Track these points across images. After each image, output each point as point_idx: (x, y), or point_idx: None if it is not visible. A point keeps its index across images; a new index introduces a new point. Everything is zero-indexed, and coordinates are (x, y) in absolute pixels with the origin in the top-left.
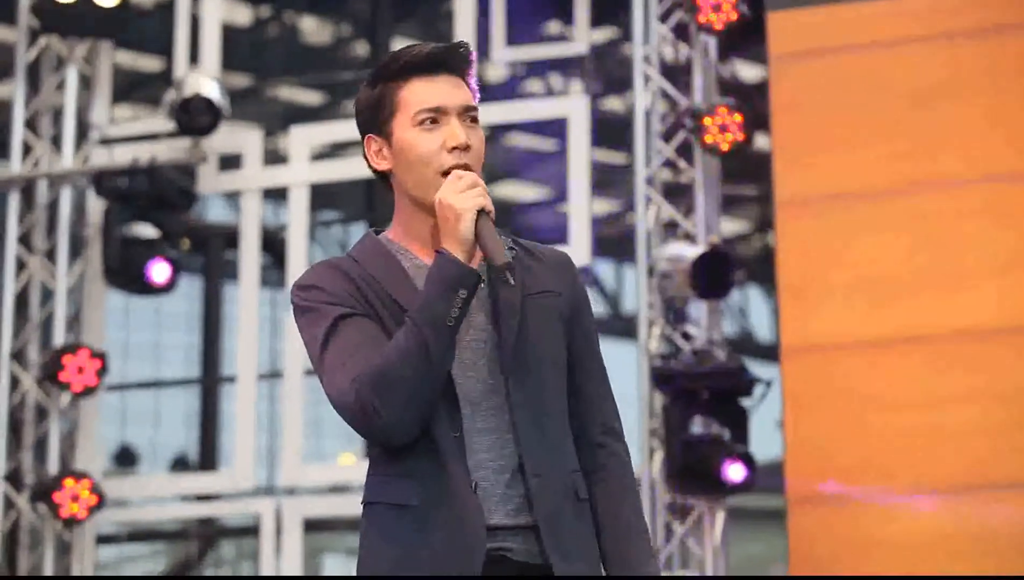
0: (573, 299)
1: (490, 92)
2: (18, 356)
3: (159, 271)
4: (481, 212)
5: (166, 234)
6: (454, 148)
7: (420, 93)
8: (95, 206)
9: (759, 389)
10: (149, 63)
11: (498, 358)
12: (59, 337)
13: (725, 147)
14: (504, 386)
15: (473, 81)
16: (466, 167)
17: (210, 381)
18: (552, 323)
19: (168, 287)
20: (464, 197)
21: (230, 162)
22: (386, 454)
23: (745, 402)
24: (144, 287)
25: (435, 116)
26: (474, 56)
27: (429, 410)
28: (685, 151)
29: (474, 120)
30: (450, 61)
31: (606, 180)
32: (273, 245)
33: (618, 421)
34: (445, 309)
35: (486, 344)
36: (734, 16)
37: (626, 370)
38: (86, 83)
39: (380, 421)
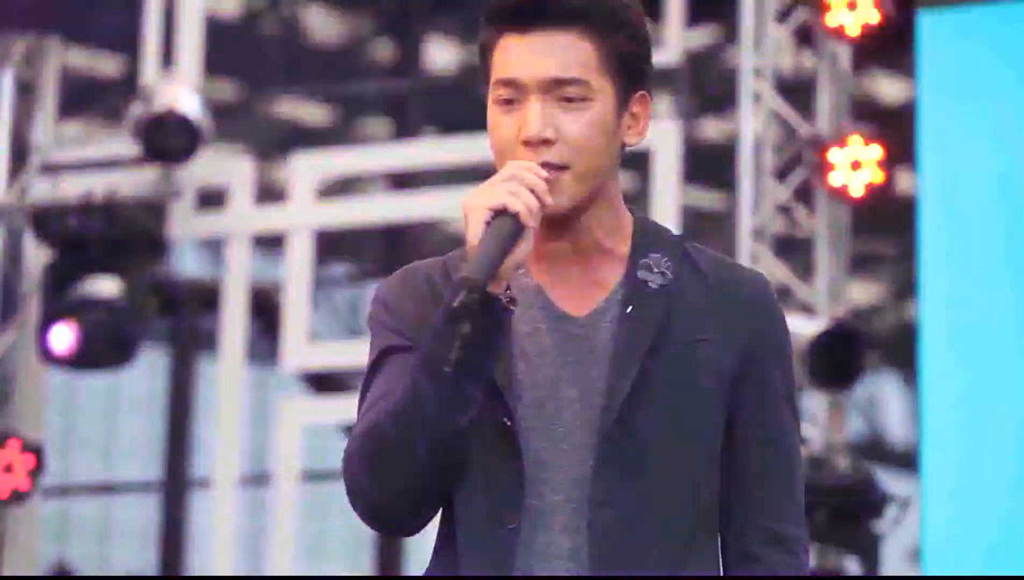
0: (748, 348)
1: None
2: None
3: (59, 337)
4: (503, 213)
5: (126, 291)
6: (526, 142)
7: (502, 57)
8: (34, 253)
9: (892, 509)
10: (108, 64)
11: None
12: None
13: (858, 191)
14: (590, 471)
15: (611, 35)
16: (550, 167)
17: (176, 485)
18: (699, 383)
19: (78, 360)
20: (482, 194)
21: (211, 199)
22: (440, 539)
23: (875, 525)
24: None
25: (511, 94)
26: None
27: (430, 488)
28: (804, 194)
29: (576, 99)
30: (545, 9)
31: (699, 229)
32: (264, 308)
33: (794, 525)
34: (443, 348)
35: (594, 410)
36: (875, 17)
37: None
38: (25, 91)
39: (362, 497)
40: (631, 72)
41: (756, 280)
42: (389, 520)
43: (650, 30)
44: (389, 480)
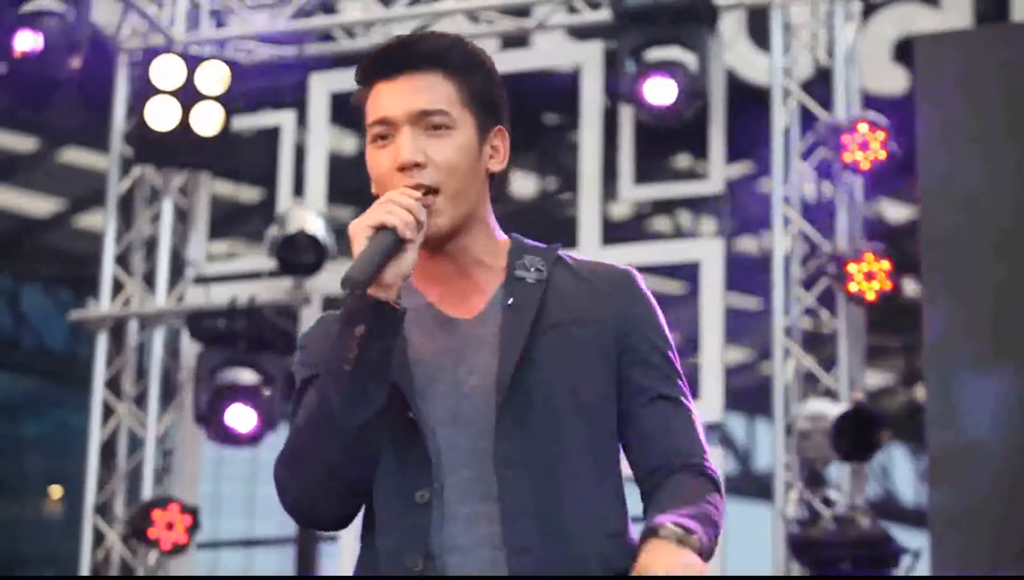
0: (623, 323)
1: (614, 231)
2: (103, 510)
3: (240, 419)
4: (382, 229)
5: (264, 380)
6: (401, 167)
7: (375, 102)
8: (189, 349)
9: (906, 559)
10: (249, 193)
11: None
12: (147, 490)
13: (871, 296)
14: (492, 443)
15: (468, 75)
16: (422, 188)
17: (308, 539)
18: (582, 358)
19: (255, 437)
20: (363, 217)
21: (335, 304)
22: (365, 525)
23: (892, 574)
24: (233, 437)
25: (384, 130)
26: (457, 43)
27: (346, 483)
28: (827, 299)
29: (441, 125)
30: (409, 57)
31: (739, 327)
32: None
33: (696, 455)
34: (342, 351)
35: (491, 392)
36: (883, 155)
37: (759, 535)
38: (182, 216)
39: (288, 496)
40: (488, 108)
41: (621, 270)
42: (313, 515)
43: (499, 75)
44: (309, 478)
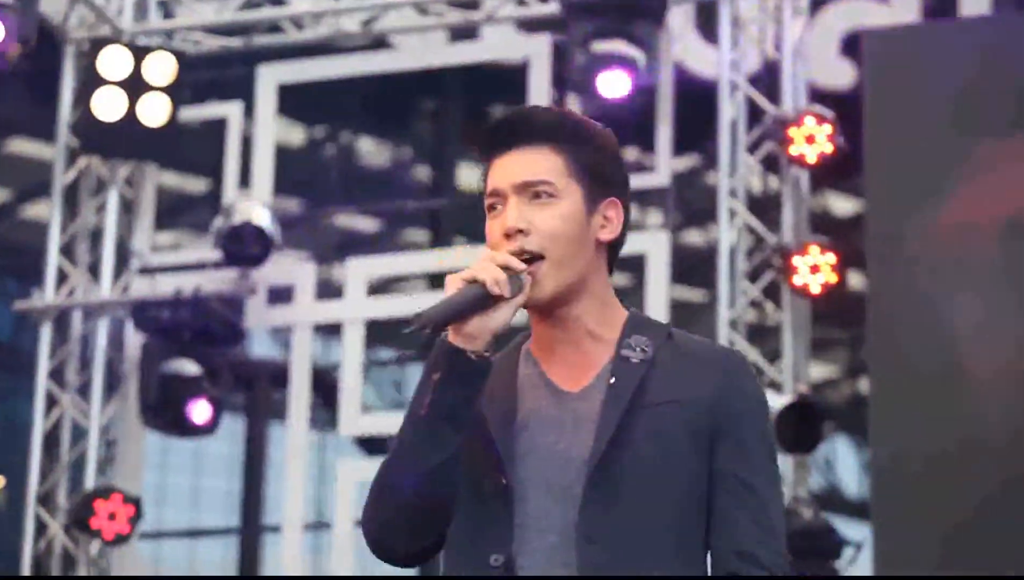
0: (720, 407)
1: None
2: (45, 500)
3: (199, 411)
4: (473, 283)
5: (209, 371)
6: (506, 234)
7: (491, 176)
8: (133, 340)
9: (848, 551)
10: (195, 184)
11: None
12: (90, 480)
13: (816, 289)
14: (577, 516)
15: (576, 148)
16: (527, 254)
17: (251, 531)
18: (675, 440)
19: (209, 428)
20: (462, 273)
21: (280, 295)
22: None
23: (834, 566)
24: (183, 428)
25: (496, 201)
26: (566, 117)
27: (419, 522)
28: (772, 291)
29: (544, 194)
30: (519, 132)
31: (683, 319)
32: (324, 384)
33: (763, 546)
34: (421, 396)
35: (584, 466)
36: (829, 149)
37: None
38: (127, 207)
39: (368, 528)
40: (598, 179)
41: (728, 352)
42: (387, 550)
43: (617, 148)
44: (383, 513)
